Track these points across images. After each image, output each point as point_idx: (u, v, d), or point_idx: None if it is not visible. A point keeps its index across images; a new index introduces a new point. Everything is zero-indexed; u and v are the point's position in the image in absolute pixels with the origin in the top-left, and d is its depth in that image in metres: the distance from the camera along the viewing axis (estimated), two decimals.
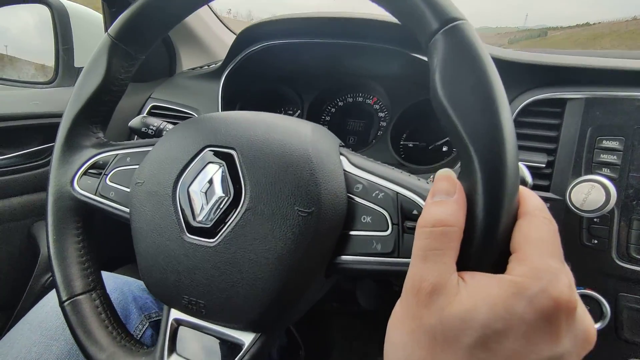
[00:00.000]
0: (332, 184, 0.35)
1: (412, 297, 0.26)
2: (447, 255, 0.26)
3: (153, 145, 0.44)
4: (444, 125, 0.29)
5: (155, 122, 0.62)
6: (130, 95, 0.89)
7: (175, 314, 0.41)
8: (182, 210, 0.38)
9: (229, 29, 1.24)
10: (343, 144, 0.41)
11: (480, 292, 0.25)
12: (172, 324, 0.41)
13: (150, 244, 0.39)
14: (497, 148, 0.26)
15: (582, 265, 0.55)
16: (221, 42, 1.16)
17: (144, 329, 0.64)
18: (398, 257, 0.33)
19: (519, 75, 0.61)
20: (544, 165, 0.58)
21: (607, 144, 0.55)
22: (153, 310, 0.66)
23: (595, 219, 0.55)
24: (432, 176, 0.50)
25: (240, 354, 0.38)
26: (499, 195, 0.26)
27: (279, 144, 0.36)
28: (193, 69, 1.06)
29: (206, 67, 1.02)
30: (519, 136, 0.57)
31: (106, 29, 1.02)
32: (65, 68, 1.01)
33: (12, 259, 0.84)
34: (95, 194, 0.45)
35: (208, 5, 1.13)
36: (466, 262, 0.27)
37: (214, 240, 0.36)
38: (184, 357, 0.40)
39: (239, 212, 0.35)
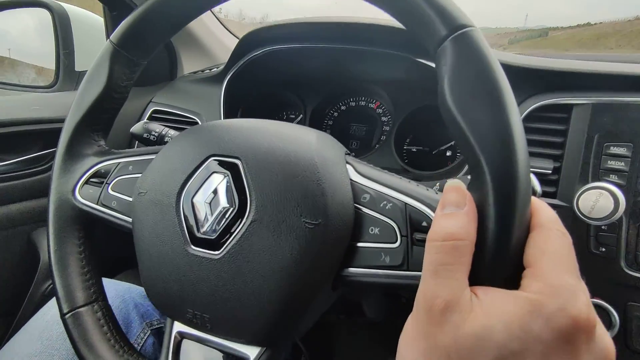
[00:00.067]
0: (339, 194, 0.34)
1: (424, 314, 0.26)
2: (459, 270, 0.26)
3: (155, 153, 0.43)
4: (453, 134, 0.29)
5: (157, 128, 0.61)
6: (131, 99, 0.88)
7: (178, 326, 0.40)
8: (186, 221, 0.37)
9: (230, 32, 1.24)
10: (348, 151, 0.41)
11: (494, 310, 0.24)
12: (175, 336, 0.40)
13: (153, 256, 0.38)
14: (508, 159, 0.26)
15: (590, 273, 0.54)
16: (222, 45, 1.16)
17: (145, 337, 0.63)
18: (407, 270, 0.32)
19: (524, 81, 0.61)
20: (550, 172, 0.57)
21: (614, 150, 0.54)
22: (155, 318, 0.65)
23: (603, 227, 0.54)
24: (437, 184, 0.49)
25: None
26: (511, 207, 0.26)
27: (284, 153, 0.36)
28: (194, 72, 1.06)
29: (207, 70, 1.02)
30: None
31: (107, 33, 1.02)
32: (66, 72, 1.01)
33: (12, 266, 0.83)
34: (97, 204, 0.44)
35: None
36: (478, 276, 0.26)
37: (218, 252, 0.35)
38: None
39: (244, 223, 0.35)
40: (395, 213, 0.33)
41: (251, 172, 0.36)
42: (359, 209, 0.35)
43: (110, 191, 0.44)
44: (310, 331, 0.42)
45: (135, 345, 0.60)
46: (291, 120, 0.93)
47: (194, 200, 0.37)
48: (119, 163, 0.45)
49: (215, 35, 1.15)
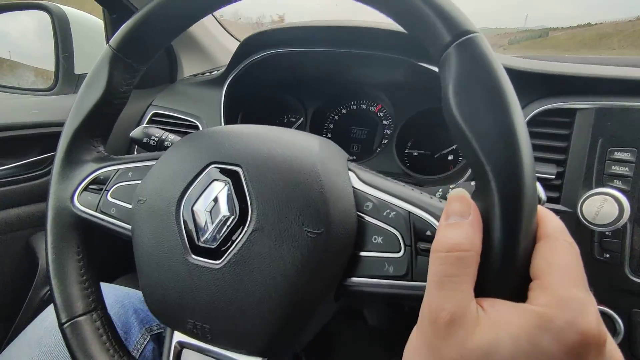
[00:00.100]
0: (341, 202, 0.34)
1: (429, 327, 0.25)
2: (465, 282, 0.25)
3: (155, 159, 0.43)
4: (458, 142, 0.28)
5: (157, 132, 0.61)
6: (131, 102, 0.87)
7: (178, 336, 0.40)
8: (187, 230, 0.37)
9: (230, 34, 1.24)
10: (350, 157, 0.40)
11: (501, 323, 0.23)
12: (175, 346, 0.39)
13: (153, 265, 0.38)
14: (515, 169, 0.25)
15: (594, 280, 0.54)
16: (222, 47, 1.16)
17: (145, 343, 0.63)
18: (412, 280, 0.32)
19: (528, 85, 0.60)
20: (553, 177, 0.57)
21: (618, 155, 0.54)
22: (154, 323, 0.65)
23: (607, 233, 0.54)
24: (440, 190, 0.49)
25: None
26: (517, 217, 0.25)
27: (285, 160, 0.35)
28: (195, 75, 1.05)
29: (208, 73, 1.01)
30: None
31: (107, 35, 1.02)
32: (65, 75, 1.00)
33: (11, 271, 0.83)
34: (96, 211, 0.44)
35: None
36: (484, 287, 0.26)
37: (219, 261, 0.35)
38: None
39: (245, 232, 0.34)
40: (399, 222, 0.33)
41: (252, 179, 0.35)
42: (362, 217, 0.34)
43: (109, 198, 0.43)
44: (311, 340, 0.41)
45: (135, 352, 0.59)
46: (292, 123, 0.92)
47: (194, 208, 0.37)
48: (118, 169, 0.45)
49: (215, 38, 1.15)
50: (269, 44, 0.76)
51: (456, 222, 0.27)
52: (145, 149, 0.61)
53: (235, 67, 0.81)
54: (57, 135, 0.46)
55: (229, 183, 0.36)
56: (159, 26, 0.42)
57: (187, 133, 0.86)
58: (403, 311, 0.81)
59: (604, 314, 0.54)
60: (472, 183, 0.46)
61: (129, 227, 0.41)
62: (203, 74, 1.04)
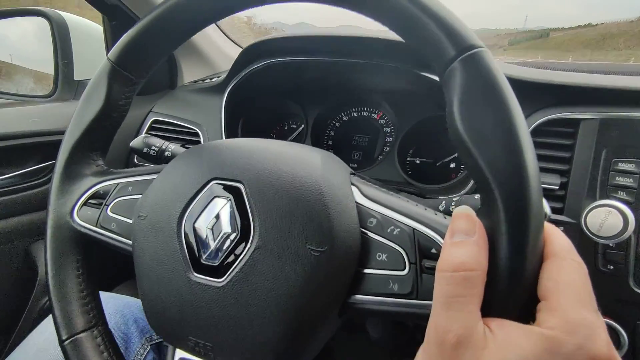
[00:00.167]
0: (345, 218, 0.33)
1: (435, 349, 0.25)
2: (471, 302, 0.25)
3: (155, 172, 0.43)
4: (463, 158, 0.28)
5: (157, 142, 0.60)
6: (130, 109, 0.87)
7: (180, 353, 0.39)
8: (188, 247, 0.36)
9: (231, 39, 1.23)
10: (353, 171, 0.40)
11: (510, 346, 0.23)
12: None
13: (154, 282, 0.37)
14: (521, 187, 0.25)
15: (598, 292, 0.53)
16: (223, 53, 1.15)
17: (145, 353, 0.62)
18: (417, 299, 0.31)
19: (531, 95, 0.60)
20: (557, 187, 0.57)
21: (623, 166, 0.53)
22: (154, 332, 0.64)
23: (611, 244, 0.53)
24: (443, 202, 0.48)
25: None
26: (524, 235, 0.25)
27: (288, 176, 0.35)
28: (195, 81, 1.05)
29: (208, 80, 1.01)
30: None
31: (106, 41, 1.01)
32: (64, 81, 1.00)
33: (10, 280, 0.82)
34: (96, 226, 0.43)
35: None
36: (490, 307, 0.25)
37: (221, 279, 0.34)
38: None
39: (247, 250, 0.34)
40: (403, 239, 0.33)
41: (254, 196, 0.35)
42: (365, 234, 0.34)
43: (109, 213, 0.43)
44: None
45: None
46: (293, 130, 0.92)
47: (196, 225, 0.36)
48: (118, 183, 0.44)
49: (215, 43, 1.14)
50: (270, 52, 0.76)
51: (461, 240, 0.26)
52: (145, 158, 0.61)
53: (236, 75, 0.81)
54: (57, 143, 0.45)
55: (230, 200, 0.35)
56: (158, 38, 0.41)
57: (187, 140, 0.87)
58: (406, 325, 0.81)
59: (608, 327, 0.53)
60: (476, 196, 0.45)
61: (130, 242, 0.41)
62: (203, 80, 1.03)
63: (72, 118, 0.44)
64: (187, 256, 0.36)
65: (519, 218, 0.25)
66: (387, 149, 0.83)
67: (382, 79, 0.76)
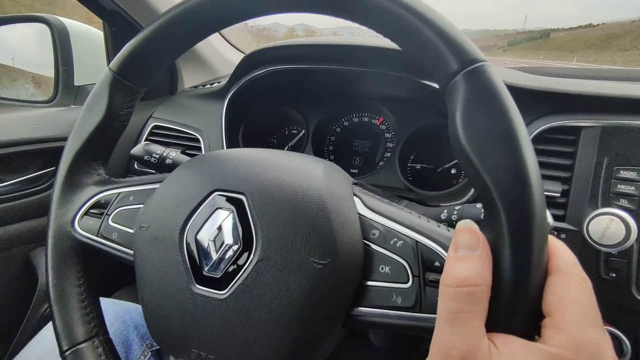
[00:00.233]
0: (347, 230, 0.33)
1: None
2: (476, 318, 0.24)
3: (157, 182, 0.42)
4: (466, 171, 0.28)
5: (158, 149, 0.60)
6: None
7: None
8: (190, 258, 0.36)
9: (231, 44, 1.23)
10: (355, 181, 0.40)
11: None
12: None
13: (156, 293, 0.37)
14: (524, 201, 0.25)
15: (600, 300, 0.53)
16: (223, 58, 1.15)
17: None
18: (420, 312, 0.31)
19: (532, 102, 0.60)
20: (558, 195, 0.57)
21: (624, 174, 0.53)
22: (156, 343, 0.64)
23: (613, 252, 0.53)
24: (445, 211, 0.48)
25: None
26: (528, 249, 0.25)
27: (290, 188, 0.35)
28: (195, 87, 1.05)
29: (209, 85, 1.01)
30: None
31: (106, 48, 1.01)
32: (65, 86, 1.00)
33: (11, 287, 0.82)
34: (97, 235, 0.43)
35: None
36: (494, 322, 0.25)
37: (224, 292, 0.34)
38: None
39: (250, 262, 0.34)
40: (406, 251, 0.32)
41: (256, 208, 0.35)
42: (368, 246, 0.34)
43: (110, 223, 0.43)
44: None
45: None
46: (293, 136, 0.92)
47: (198, 237, 0.36)
48: (120, 193, 0.44)
49: (215, 48, 1.14)
50: (272, 60, 0.76)
51: (465, 255, 0.26)
52: (146, 166, 0.61)
53: (237, 81, 0.81)
54: (57, 150, 0.45)
55: (233, 211, 0.35)
56: (161, 48, 0.41)
57: (188, 146, 0.86)
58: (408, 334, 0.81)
59: (610, 335, 0.53)
60: (478, 205, 0.45)
61: (131, 252, 0.41)
62: (204, 85, 1.03)
63: (73, 128, 0.44)
64: (189, 268, 0.36)
65: (523, 231, 0.25)
66: (388, 154, 0.83)
67: (383, 87, 0.76)
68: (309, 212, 0.33)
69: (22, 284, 0.83)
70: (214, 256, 0.35)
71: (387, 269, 0.33)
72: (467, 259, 0.26)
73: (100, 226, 0.43)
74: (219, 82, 0.97)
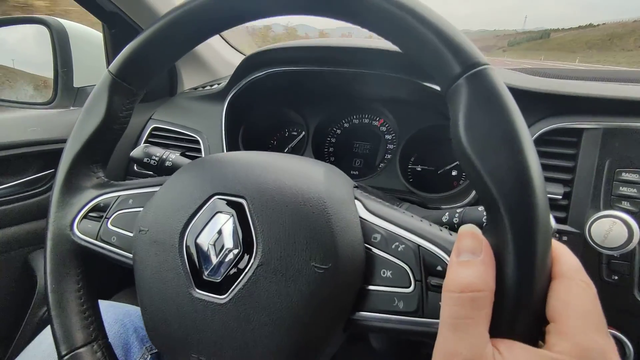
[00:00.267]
0: (349, 234, 0.33)
1: None
2: (479, 323, 0.24)
3: (156, 185, 0.42)
4: (469, 175, 0.28)
5: (158, 152, 0.60)
6: None
7: None
8: (190, 262, 0.36)
9: (230, 45, 1.23)
10: (357, 185, 0.39)
11: None
12: None
13: (156, 297, 0.37)
14: (528, 205, 0.25)
15: (602, 302, 0.53)
16: (223, 59, 1.15)
17: None
18: (422, 317, 0.31)
19: (533, 104, 0.60)
20: (560, 197, 0.56)
21: (626, 176, 0.53)
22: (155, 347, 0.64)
23: (615, 254, 0.53)
24: (447, 214, 0.48)
25: None
26: (532, 253, 0.24)
27: (291, 192, 0.34)
28: (195, 88, 1.04)
29: (208, 87, 1.01)
30: None
31: (106, 49, 1.01)
32: (64, 88, 0.99)
33: (9, 290, 0.82)
34: (96, 239, 0.43)
35: None
36: (498, 327, 0.25)
37: (224, 296, 0.34)
38: None
39: (250, 266, 0.33)
40: (408, 255, 0.32)
41: (257, 212, 0.34)
42: (370, 250, 0.33)
43: (109, 226, 0.43)
44: None
45: None
46: (293, 137, 0.92)
47: (198, 241, 0.36)
48: (119, 196, 0.44)
49: (215, 50, 1.14)
50: (272, 62, 0.76)
51: (468, 260, 0.26)
52: (145, 168, 0.60)
53: (237, 83, 0.81)
54: (56, 152, 0.45)
55: (233, 215, 0.35)
56: (160, 50, 0.41)
57: (188, 147, 0.86)
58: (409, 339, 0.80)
59: (613, 337, 0.53)
60: (480, 208, 0.45)
61: (130, 255, 0.40)
62: (203, 87, 1.03)
63: (72, 130, 0.44)
64: (189, 272, 0.35)
65: (526, 236, 0.24)
66: (389, 156, 0.82)
67: (383, 88, 0.76)
68: (309, 216, 0.33)
69: (21, 286, 0.83)
70: (214, 260, 0.35)
71: (388, 274, 0.32)
72: (470, 264, 0.25)
73: (100, 230, 0.43)
74: (218, 84, 0.97)
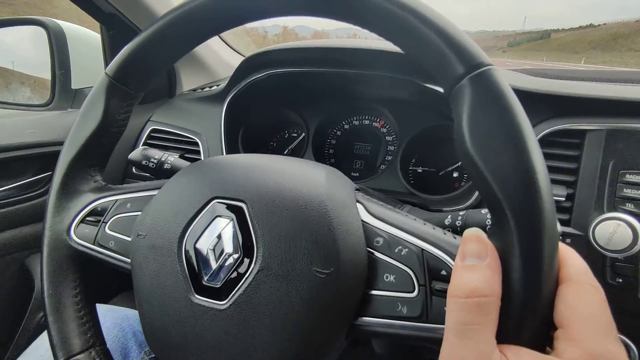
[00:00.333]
0: (351, 238, 0.32)
1: None
2: (486, 329, 0.24)
3: (154, 189, 0.41)
4: (473, 179, 0.27)
5: (156, 154, 0.59)
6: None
7: None
8: (189, 268, 0.35)
9: (229, 46, 1.23)
10: (358, 187, 0.39)
11: None
12: None
13: (154, 303, 0.36)
14: (534, 207, 0.24)
15: None
16: (222, 60, 1.14)
17: None
18: (427, 322, 0.30)
19: (536, 105, 0.59)
20: (563, 199, 0.56)
21: (630, 178, 0.53)
22: (154, 354, 0.63)
23: (620, 257, 0.52)
24: (449, 216, 0.47)
25: None
26: (538, 257, 0.24)
27: (292, 195, 0.34)
28: (194, 90, 1.04)
29: (207, 88, 1.00)
30: None
31: (104, 51, 1.00)
32: (62, 90, 0.99)
33: (6, 294, 0.81)
34: (93, 244, 0.42)
35: None
36: (504, 333, 0.24)
37: (224, 302, 0.33)
38: None
39: (251, 271, 0.33)
40: (412, 259, 0.32)
41: (257, 216, 0.34)
42: (372, 254, 0.33)
43: (107, 231, 0.42)
44: None
45: None
46: (293, 139, 0.91)
47: (197, 245, 0.35)
48: (117, 200, 0.43)
49: (214, 51, 1.13)
50: (272, 63, 0.75)
51: (473, 264, 0.25)
52: (144, 171, 0.60)
53: (236, 84, 0.80)
54: (54, 154, 0.44)
55: (233, 219, 0.34)
56: (158, 52, 0.40)
57: (187, 149, 0.86)
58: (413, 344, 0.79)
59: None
60: (483, 211, 0.45)
61: (128, 260, 0.40)
62: (202, 88, 1.03)
63: (69, 133, 0.43)
64: (188, 277, 0.35)
65: (533, 239, 0.24)
66: (390, 157, 0.82)
67: (383, 89, 0.75)
68: (310, 220, 0.32)
69: (18, 290, 0.83)
70: (214, 265, 0.34)
71: (391, 278, 0.32)
72: (475, 268, 0.25)
73: (97, 234, 0.42)
74: (218, 85, 0.97)
